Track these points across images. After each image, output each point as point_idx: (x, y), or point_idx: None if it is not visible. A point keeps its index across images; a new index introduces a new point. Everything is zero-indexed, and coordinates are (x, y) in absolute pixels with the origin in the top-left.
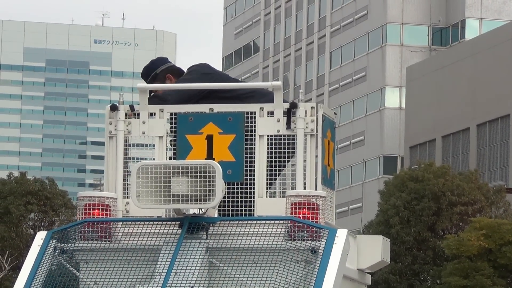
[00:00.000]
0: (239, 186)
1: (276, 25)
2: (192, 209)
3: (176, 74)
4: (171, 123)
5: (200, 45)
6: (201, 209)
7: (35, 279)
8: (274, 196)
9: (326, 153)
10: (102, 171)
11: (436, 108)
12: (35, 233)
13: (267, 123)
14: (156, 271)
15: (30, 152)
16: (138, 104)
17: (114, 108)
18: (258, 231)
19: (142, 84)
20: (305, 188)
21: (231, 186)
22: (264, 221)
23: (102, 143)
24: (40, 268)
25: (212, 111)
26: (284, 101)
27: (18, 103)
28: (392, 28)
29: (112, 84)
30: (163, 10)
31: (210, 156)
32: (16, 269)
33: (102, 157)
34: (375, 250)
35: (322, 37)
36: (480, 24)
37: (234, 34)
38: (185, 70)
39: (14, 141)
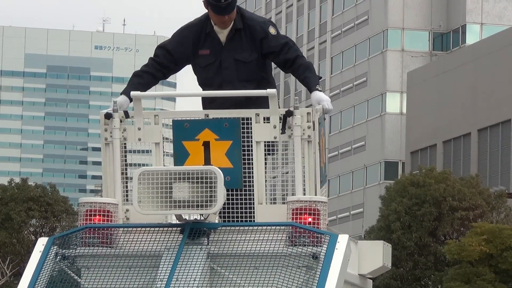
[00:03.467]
0: (238, 192)
1: None
2: (193, 215)
3: None
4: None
5: None
6: (202, 215)
7: (37, 285)
8: (275, 203)
9: (322, 152)
10: None
11: (437, 113)
12: (36, 239)
13: (264, 130)
14: (158, 277)
15: (31, 158)
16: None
17: (108, 116)
18: (259, 237)
19: (136, 92)
20: (304, 194)
21: (230, 192)
22: (265, 227)
23: None
24: (41, 274)
25: (207, 117)
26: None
27: (19, 109)
28: (393, 33)
29: (113, 90)
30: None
31: (207, 162)
32: (18, 275)
33: None
34: (376, 256)
35: (323, 42)
36: (481, 29)
37: None
38: None
39: (15, 147)
